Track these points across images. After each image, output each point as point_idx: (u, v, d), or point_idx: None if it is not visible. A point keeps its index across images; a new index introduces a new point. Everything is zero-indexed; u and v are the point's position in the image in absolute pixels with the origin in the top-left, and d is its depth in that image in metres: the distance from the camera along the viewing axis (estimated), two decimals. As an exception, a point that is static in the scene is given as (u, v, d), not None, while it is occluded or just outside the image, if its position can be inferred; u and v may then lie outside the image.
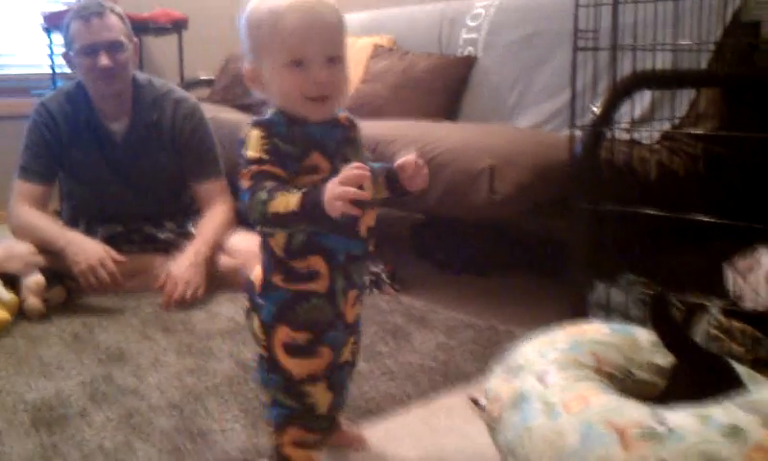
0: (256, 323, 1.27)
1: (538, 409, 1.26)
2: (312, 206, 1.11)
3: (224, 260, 2.50)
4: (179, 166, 2.61)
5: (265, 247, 1.26)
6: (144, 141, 2.56)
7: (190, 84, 3.90)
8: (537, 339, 1.48)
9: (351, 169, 1.10)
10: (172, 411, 1.61)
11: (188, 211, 2.68)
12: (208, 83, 4.02)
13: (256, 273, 1.29)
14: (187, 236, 2.57)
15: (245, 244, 2.52)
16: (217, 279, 2.45)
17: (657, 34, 2.10)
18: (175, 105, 2.60)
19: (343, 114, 1.27)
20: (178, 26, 3.96)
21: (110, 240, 2.51)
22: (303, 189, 1.13)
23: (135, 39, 2.58)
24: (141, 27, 3.70)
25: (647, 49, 2.02)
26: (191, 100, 2.66)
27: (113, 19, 2.46)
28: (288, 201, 1.12)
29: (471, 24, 3.22)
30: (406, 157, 1.27)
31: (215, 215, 2.57)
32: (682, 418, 1.18)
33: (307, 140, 1.19)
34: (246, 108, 3.68)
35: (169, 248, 2.57)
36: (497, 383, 1.40)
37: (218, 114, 3.12)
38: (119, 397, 1.69)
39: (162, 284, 2.35)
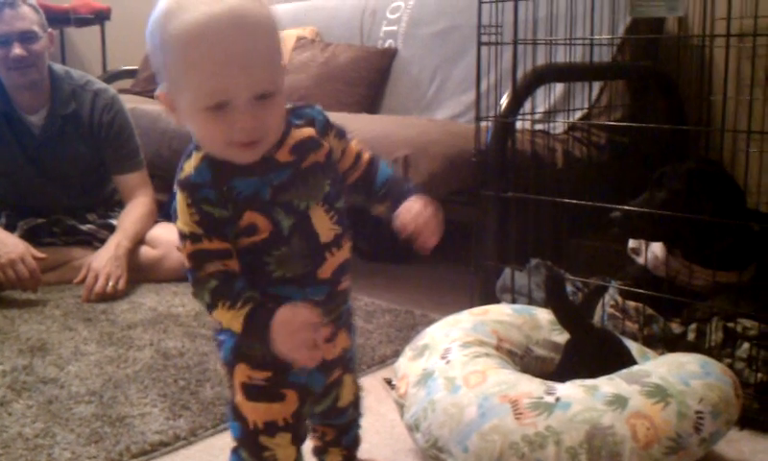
0: (220, 363, 1.11)
1: (440, 384, 1.34)
2: (257, 335, 0.96)
3: (145, 251, 2.53)
4: (99, 158, 2.62)
5: None
6: (63, 133, 2.56)
7: (113, 76, 3.88)
8: (443, 321, 1.57)
9: (302, 316, 0.94)
10: (91, 398, 1.64)
11: (110, 203, 2.69)
12: (131, 73, 4.00)
13: None
14: (109, 228, 2.58)
15: (166, 235, 2.54)
16: (139, 271, 2.48)
17: (566, 29, 2.19)
18: (93, 96, 2.60)
19: (305, 132, 1.09)
20: (100, 17, 3.94)
21: (32, 233, 2.51)
22: (246, 310, 0.96)
23: (51, 30, 2.58)
24: (62, 18, 3.68)
25: (547, 43, 2.11)
26: (110, 91, 2.67)
27: (26, 9, 2.46)
28: (231, 319, 0.97)
29: (391, 16, 3.29)
30: (404, 218, 1.09)
31: (136, 207, 2.59)
32: (570, 389, 1.28)
33: (236, 198, 0.99)
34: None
35: (91, 240, 2.58)
36: (405, 363, 1.48)
37: (139, 105, 3.11)
38: (39, 386, 1.71)
39: (83, 278, 2.37)
